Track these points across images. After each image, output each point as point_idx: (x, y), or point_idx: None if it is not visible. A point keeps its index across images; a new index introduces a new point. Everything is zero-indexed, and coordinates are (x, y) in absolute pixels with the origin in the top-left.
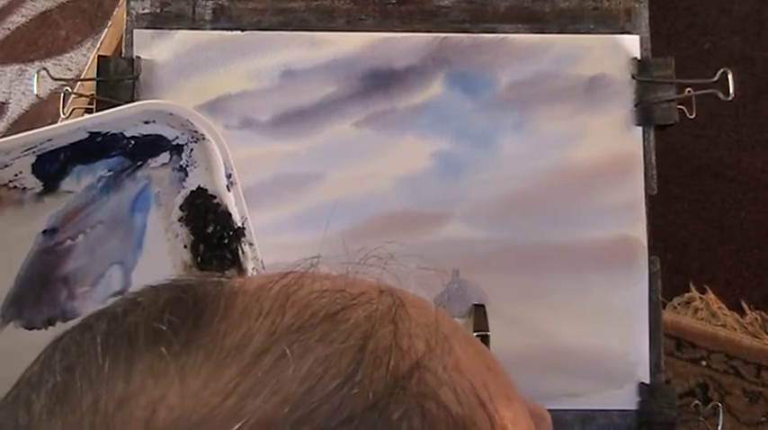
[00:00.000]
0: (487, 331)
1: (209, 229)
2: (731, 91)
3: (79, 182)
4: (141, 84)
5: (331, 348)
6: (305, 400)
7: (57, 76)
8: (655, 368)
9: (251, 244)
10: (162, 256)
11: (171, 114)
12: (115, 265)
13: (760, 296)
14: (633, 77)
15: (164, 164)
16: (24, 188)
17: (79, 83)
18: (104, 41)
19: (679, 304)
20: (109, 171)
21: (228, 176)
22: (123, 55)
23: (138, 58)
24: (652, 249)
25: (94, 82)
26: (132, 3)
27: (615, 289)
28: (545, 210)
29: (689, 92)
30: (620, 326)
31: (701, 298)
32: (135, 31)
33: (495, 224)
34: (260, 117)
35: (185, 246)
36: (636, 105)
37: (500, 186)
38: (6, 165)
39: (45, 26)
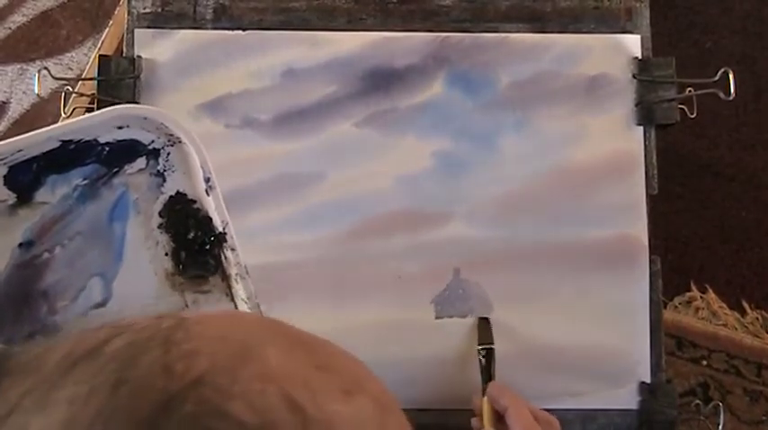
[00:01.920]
0: (492, 344)
1: (190, 235)
2: (732, 90)
3: (54, 192)
4: (142, 83)
5: (82, 388)
6: None
7: (58, 76)
8: (655, 367)
9: (233, 249)
10: (143, 265)
11: (145, 118)
12: (96, 277)
13: (760, 295)
14: (634, 77)
15: (140, 169)
16: (2, 202)
17: (80, 82)
18: (105, 41)
19: (680, 303)
20: (84, 179)
21: (207, 180)
22: (124, 54)
23: (140, 57)
24: (653, 248)
25: (96, 81)
26: (133, 2)
27: (616, 288)
28: (546, 210)
29: (690, 91)
30: (621, 326)
31: (701, 297)
32: (136, 30)
33: (496, 223)
34: (261, 116)
35: (166, 254)
36: (637, 105)
37: (501, 185)
38: None
39: (46, 25)
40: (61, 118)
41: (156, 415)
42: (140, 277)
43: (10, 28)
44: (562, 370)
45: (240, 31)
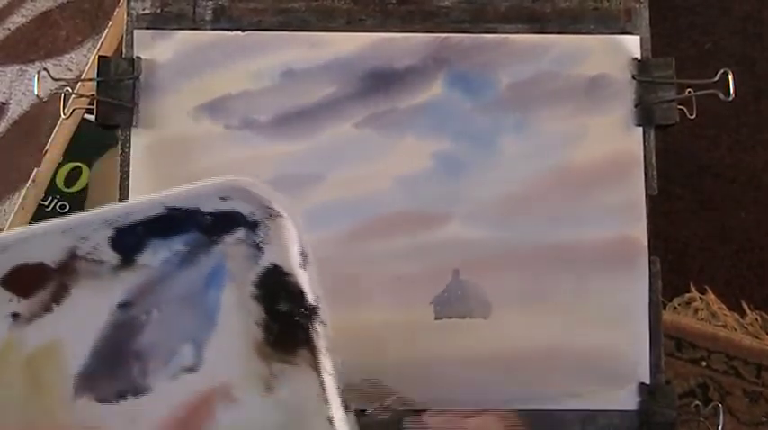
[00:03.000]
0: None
1: (283, 308)
2: (732, 91)
3: (156, 256)
4: (142, 84)
5: None
6: None
7: (57, 77)
8: (655, 368)
9: (324, 323)
10: (235, 334)
11: (247, 191)
12: (188, 342)
13: (760, 296)
14: (633, 78)
15: (239, 240)
16: (102, 261)
17: (80, 83)
18: (105, 42)
19: (679, 304)
20: (185, 246)
21: (303, 255)
22: (124, 55)
23: (139, 58)
24: (652, 249)
25: (95, 82)
26: (133, 3)
27: (615, 289)
28: (545, 211)
29: (689, 92)
30: (621, 327)
31: (701, 298)
32: (135, 31)
33: (496, 224)
34: (260, 117)
35: (258, 324)
36: (636, 105)
37: (500, 186)
38: (84, 238)
39: (45, 26)
40: (60, 119)
41: None
42: (231, 345)
43: (9, 29)
44: (561, 371)
45: (239, 32)
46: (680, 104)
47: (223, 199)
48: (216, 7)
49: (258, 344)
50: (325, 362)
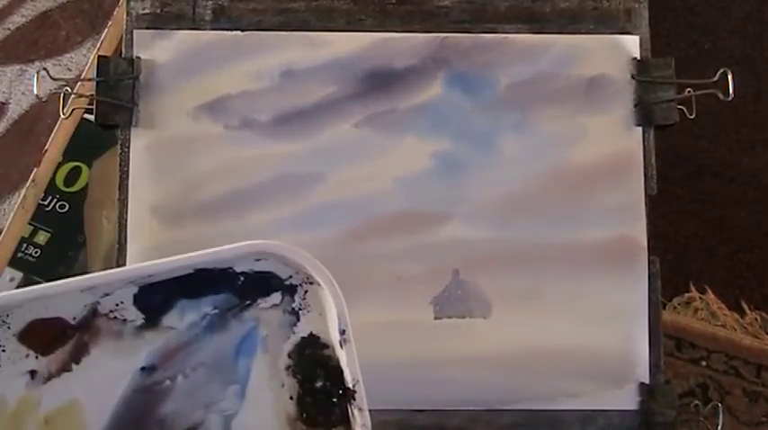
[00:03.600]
0: None
1: (318, 384)
2: (731, 91)
3: (183, 318)
4: (141, 84)
5: None
6: None
7: (57, 77)
8: (655, 368)
9: (361, 409)
10: (265, 406)
11: (284, 256)
12: (215, 412)
13: (760, 296)
14: (633, 77)
15: (274, 305)
16: (125, 320)
17: (79, 83)
18: (104, 42)
19: (679, 304)
20: (215, 308)
21: (342, 332)
22: (123, 55)
23: (139, 58)
24: (652, 249)
25: (94, 82)
26: (132, 3)
27: (615, 289)
28: (545, 211)
29: (689, 92)
30: (620, 327)
31: (700, 298)
32: (135, 31)
33: (495, 224)
34: (260, 117)
35: (291, 398)
36: (636, 105)
37: (500, 186)
38: (107, 294)
39: (45, 26)
40: (60, 119)
41: None
42: (262, 418)
43: (9, 29)
44: (561, 371)
45: (239, 32)
46: (679, 104)
47: (258, 260)
48: (216, 7)
49: (291, 419)
50: None
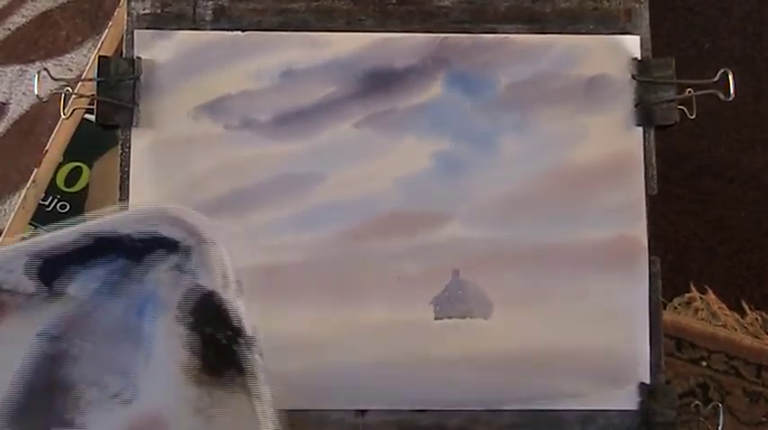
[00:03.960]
0: None
1: (219, 335)
2: (732, 91)
3: (83, 286)
4: (142, 84)
5: None
6: None
7: (57, 77)
8: (655, 368)
9: (261, 354)
10: (169, 363)
11: (176, 218)
12: (121, 373)
13: (760, 296)
14: (633, 78)
15: (171, 266)
16: (26, 293)
17: (80, 83)
18: (105, 42)
19: (679, 304)
20: (112, 274)
21: (237, 283)
22: (124, 55)
23: (139, 58)
24: (652, 249)
25: (95, 82)
26: (133, 3)
27: (615, 289)
28: (545, 211)
29: (689, 92)
30: (621, 327)
31: (701, 298)
32: (135, 31)
33: (496, 224)
34: (260, 117)
35: (194, 352)
36: (636, 106)
37: (500, 186)
38: (9, 271)
39: (46, 27)
40: (61, 119)
41: None
42: (166, 374)
43: (9, 29)
44: (561, 371)
45: (239, 32)
46: (680, 104)
47: (153, 226)
48: (216, 7)
49: (195, 372)
50: (264, 392)
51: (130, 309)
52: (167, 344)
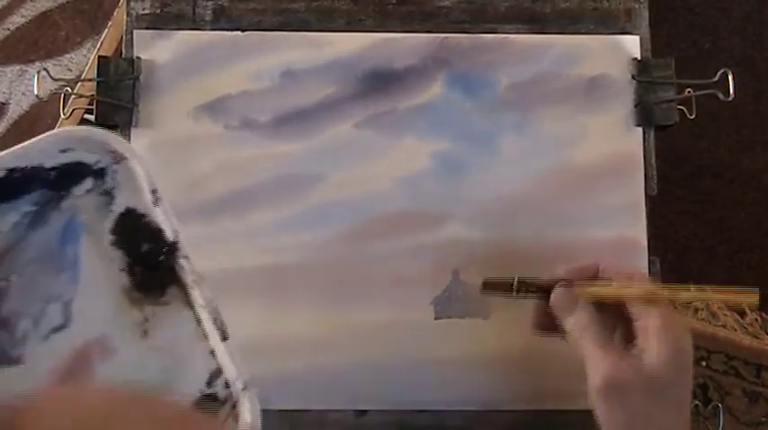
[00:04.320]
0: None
1: (144, 249)
2: (731, 91)
3: (4, 220)
4: (141, 84)
5: None
6: None
7: (57, 77)
8: None
9: (186, 257)
10: (100, 285)
11: (86, 139)
12: (54, 301)
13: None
14: (633, 78)
15: (88, 190)
16: None
17: (80, 83)
18: (105, 42)
19: (679, 304)
20: (33, 206)
21: (154, 192)
22: (123, 55)
23: (139, 58)
24: (652, 250)
25: (95, 82)
26: (132, 3)
27: None
28: (545, 211)
29: (689, 92)
30: None
31: None
32: (135, 31)
33: (495, 225)
34: (260, 117)
35: (122, 270)
36: (636, 106)
37: (500, 187)
38: None
39: (45, 27)
40: (60, 119)
41: None
42: (98, 296)
43: (9, 29)
44: (561, 371)
45: (239, 32)
46: (679, 104)
47: (64, 151)
48: (216, 7)
49: (126, 290)
50: (196, 296)
51: (52, 236)
52: (98, 268)
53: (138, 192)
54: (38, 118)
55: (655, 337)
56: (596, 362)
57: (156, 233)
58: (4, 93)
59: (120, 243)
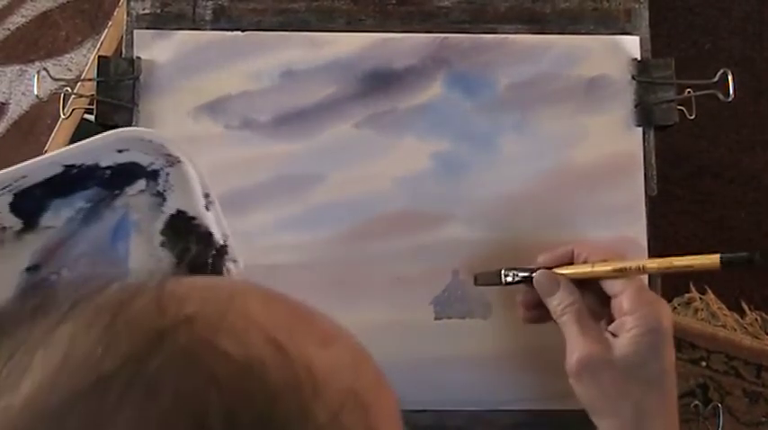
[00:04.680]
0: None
1: (193, 251)
2: (731, 92)
3: (58, 216)
4: (141, 84)
5: (81, 324)
6: (58, 374)
7: (57, 77)
8: None
9: (235, 260)
10: None
11: (144, 140)
12: None
13: (760, 297)
14: (633, 78)
15: (141, 191)
16: (3, 227)
17: (79, 83)
18: (105, 42)
19: (679, 304)
20: (87, 202)
21: (206, 196)
22: (123, 55)
23: (139, 58)
24: (652, 250)
25: (95, 82)
26: (132, 3)
27: None
28: (545, 211)
29: (689, 92)
30: None
31: (701, 298)
32: (135, 31)
33: (495, 225)
34: (260, 117)
35: (170, 271)
36: (636, 106)
37: (500, 187)
38: None
39: (45, 27)
40: (60, 119)
41: (151, 344)
42: None
43: (9, 29)
44: (561, 371)
45: (239, 32)
46: (679, 105)
47: (120, 151)
48: (216, 7)
49: None
50: None
51: (104, 233)
52: (145, 266)
53: (190, 194)
54: (38, 118)
55: (627, 317)
56: (573, 341)
57: (206, 236)
58: (4, 92)
59: (169, 244)
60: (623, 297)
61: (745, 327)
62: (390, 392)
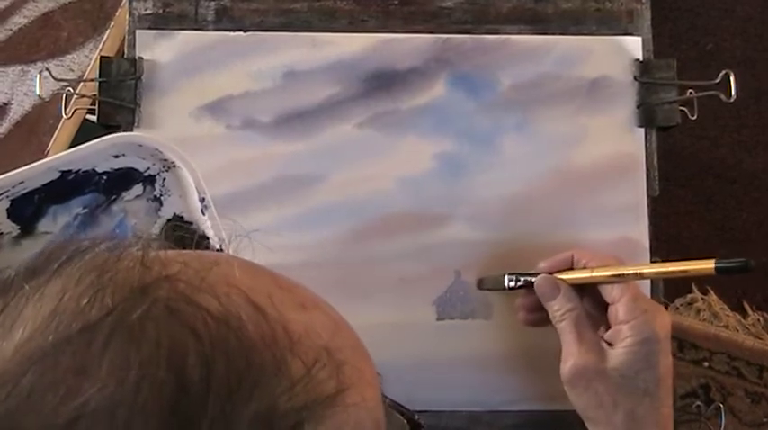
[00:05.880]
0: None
1: None
2: (733, 92)
3: (56, 221)
4: (143, 84)
5: (70, 280)
6: (48, 324)
7: (59, 77)
8: None
9: None
10: None
11: (140, 145)
12: None
13: (762, 297)
14: (635, 79)
15: (137, 196)
16: (1, 233)
17: (81, 83)
18: (107, 42)
19: (681, 305)
20: (84, 208)
21: (202, 200)
22: (125, 55)
23: (141, 58)
24: (654, 251)
25: (97, 82)
26: (134, 3)
27: None
28: (547, 212)
29: (691, 93)
30: None
31: (703, 299)
32: (137, 31)
33: (497, 225)
34: (262, 118)
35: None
36: (638, 107)
37: (502, 187)
38: None
39: (47, 27)
40: (62, 119)
41: (134, 297)
42: None
43: (11, 29)
44: None
45: (241, 33)
46: (681, 105)
47: (117, 156)
48: (218, 8)
49: None
50: None
51: None
52: None
53: (186, 199)
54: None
55: (622, 326)
56: (568, 348)
57: (202, 240)
58: (6, 93)
59: (165, 248)
60: (619, 305)
61: (747, 328)
62: (367, 358)
